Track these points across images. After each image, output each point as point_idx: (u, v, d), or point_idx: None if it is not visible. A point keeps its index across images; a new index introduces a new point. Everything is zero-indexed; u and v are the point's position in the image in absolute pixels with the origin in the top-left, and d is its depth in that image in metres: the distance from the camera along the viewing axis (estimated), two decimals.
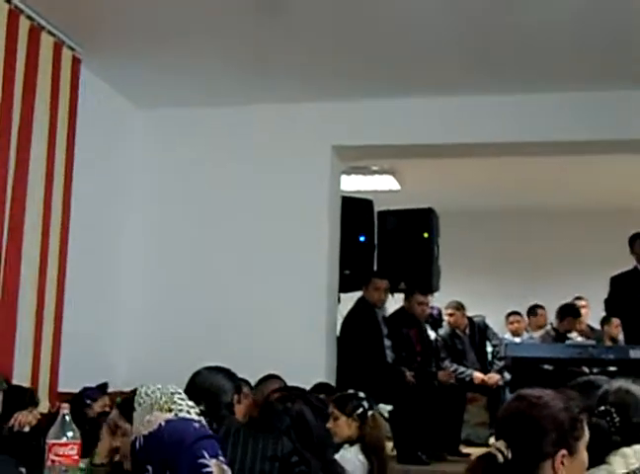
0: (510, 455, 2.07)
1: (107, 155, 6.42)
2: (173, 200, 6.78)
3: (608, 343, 8.16)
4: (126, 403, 2.47)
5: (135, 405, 2.34)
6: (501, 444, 2.09)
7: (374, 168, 8.66)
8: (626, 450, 2.56)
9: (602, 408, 2.64)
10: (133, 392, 2.40)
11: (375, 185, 8.91)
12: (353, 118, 6.57)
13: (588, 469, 2.57)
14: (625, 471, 2.51)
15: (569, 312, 7.84)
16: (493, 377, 7.43)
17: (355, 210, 7.24)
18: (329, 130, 6.60)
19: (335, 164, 6.81)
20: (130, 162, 6.75)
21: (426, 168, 8.47)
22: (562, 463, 2.08)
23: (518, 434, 2.10)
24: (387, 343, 6.75)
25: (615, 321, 8.29)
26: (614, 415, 2.61)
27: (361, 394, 4.22)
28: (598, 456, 2.57)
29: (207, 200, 6.70)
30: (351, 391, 4.29)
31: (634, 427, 2.62)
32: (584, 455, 2.14)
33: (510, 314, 9.28)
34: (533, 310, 9.09)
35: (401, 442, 6.34)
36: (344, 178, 7.56)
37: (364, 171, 8.70)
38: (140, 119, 6.84)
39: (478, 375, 7.43)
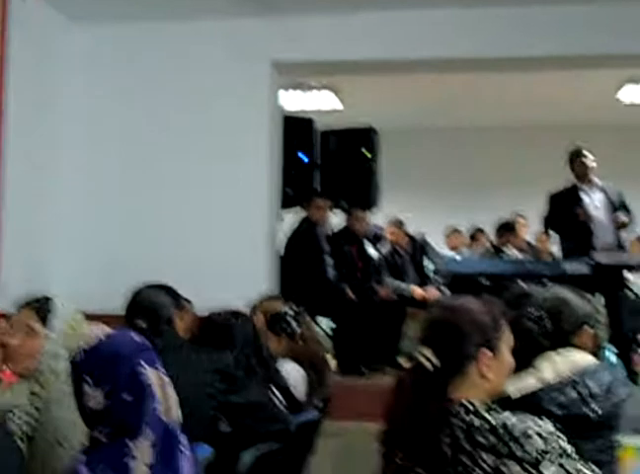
0: (437, 362, 2.13)
1: (40, 71, 6.26)
2: (109, 116, 6.63)
3: (546, 258, 8.35)
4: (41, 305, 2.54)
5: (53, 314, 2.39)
6: (427, 352, 2.14)
7: (314, 84, 8.59)
8: (554, 356, 2.64)
9: (536, 313, 2.71)
10: (45, 298, 2.45)
11: (317, 104, 8.85)
12: (293, 33, 6.46)
13: (516, 372, 2.67)
14: (554, 376, 2.59)
15: (506, 228, 7.99)
16: (432, 293, 7.57)
17: (296, 129, 7.20)
18: (268, 45, 6.49)
19: (274, 80, 6.72)
20: (66, 78, 6.59)
21: (367, 85, 8.42)
22: (486, 364, 2.14)
23: (442, 340, 2.15)
24: (329, 260, 6.82)
25: (544, 236, 8.49)
26: (547, 321, 2.68)
27: (291, 311, 4.27)
28: (526, 360, 2.65)
29: (145, 118, 6.58)
30: (283, 309, 4.32)
31: (564, 334, 2.70)
32: (508, 356, 2.21)
33: (450, 231, 9.41)
34: (475, 235, 9.24)
35: (342, 356, 6.46)
36: (285, 97, 7.48)
37: (304, 87, 8.63)
38: (75, 34, 6.65)
39: (418, 291, 7.56)
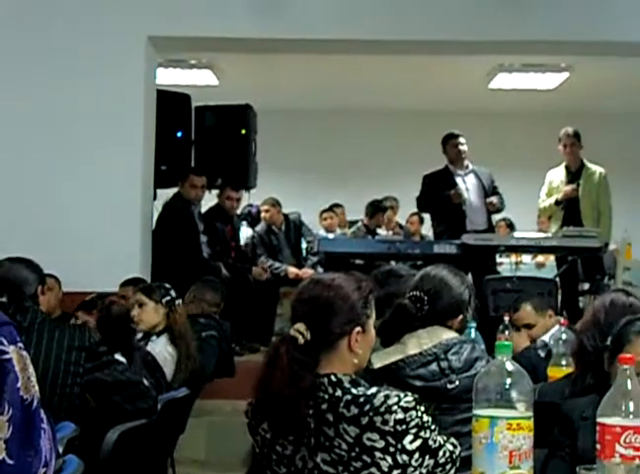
0: (309, 336, 2.16)
1: None
2: None
3: (416, 238, 8.55)
4: None
5: None
6: (300, 326, 2.18)
7: (192, 62, 8.49)
8: (420, 331, 2.70)
9: (416, 294, 2.75)
10: None
11: (193, 79, 8.75)
12: (170, 8, 6.35)
13: (385, 348, 2.73)
14: (418, 351, 2.67)
15: (377, 209, 8.14)
16: (307, 272, 7.61)
17: (171, 105, 7.08)
18: (144, 20, 6.36)
19: (150, 56, 6.59)
20: None
21: (245, 63, 8.37)
22: (356, 340, 2.19)
23: (315, 315, 2.19)
24: (203, 238, 6.78)
25: (414, 218, 8.72)
26: (425, 303, 2.73)
27: (168, 285, 4.27)
28: (395, 337, 2.72)
29: (15, 95, 6.32)
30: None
31: (438, 314, 2.76)
32: (373, 332, 2.28)
33: (324, 211, 9.50)
34: (331, 209, 9.38)
35: None
36: (161, 71, 7.36)
37: (182, 65, 8.51)
38: None
39: (292, 270, 7.61)
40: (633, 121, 9.88)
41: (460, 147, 7.19)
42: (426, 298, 2.72)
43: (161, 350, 4.09)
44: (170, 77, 8.43)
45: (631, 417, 1.74)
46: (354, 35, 6.34)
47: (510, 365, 1.79)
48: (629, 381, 1.76)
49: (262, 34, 6.40)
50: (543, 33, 6.14)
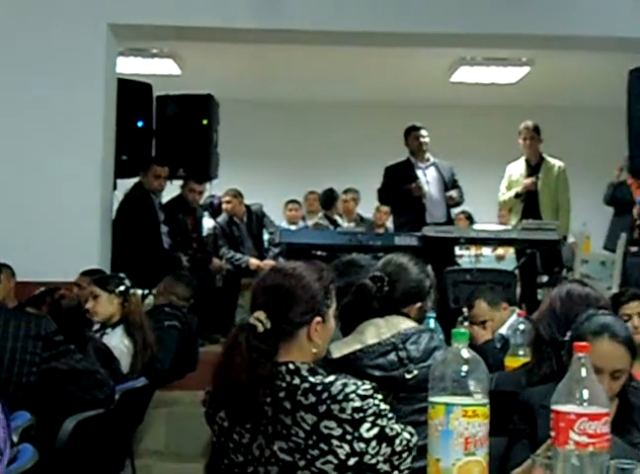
0: (269, 325, 2.16)
1: None
2: None
3: (379, 230, 8.57)
4: None
5: None
6: (260, 315, 2.17)
7: (154, 51, 8.42)
8: (378, 320, 2.71)
9: (378, 274, 2.77)
10: None
11: (155, 69, 8.68)
12: None
13: (343, 334, 2.74)
14: (376, 340, 2.67)
15: (330, 198, 8.17)
16: (268, 264, 7.59)
17: (132, 94, 7.02)
18: (104, 7, 6.30)
19: (111, 44, 6.53)
20: None
21: (207, 53, 8.31)
22: (316, 330, 2.20)
23: (275, 304, 2.19)
24: (164, 229, 6.74)
25: (382, 209, 8.74)
26: (385, 283, 2.75)
27: (123, 275, 4.24)
28: (355, 320, 2.72)
29: None
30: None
31: (396, 302, 2.77)
32: (333, 322, 2.28)
33: (288, 202, 9.50)
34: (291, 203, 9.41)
35: None
36: (122, 60, 7.30)
37: (144, 54, 8.44)
38: None
39: (254, 262, 7.59)
40: (592, 116, 9.98)
41: (422, 139, 7.23)
42: (386, 279, 2.73)
43: (117, 343, 4.07)
44: (131, 66, 8.36)
45: (585, 404, 1.75)
46: (316, 25, 6.33)
47: (466, 353, 1.80)
48: (583, 369, 1.77)
49: (224, 23, 6.36)
50: (504, 26, 6.18)
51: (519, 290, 6.76)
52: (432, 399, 1.79)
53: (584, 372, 1.77)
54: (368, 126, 10.43)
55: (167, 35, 6.87)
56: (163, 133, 7.22)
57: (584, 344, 1.83)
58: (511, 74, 9.35)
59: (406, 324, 2.72)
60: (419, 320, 2.83)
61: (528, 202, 7.18)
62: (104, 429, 3.12)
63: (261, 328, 2.15)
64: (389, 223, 8.88)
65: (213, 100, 7.40)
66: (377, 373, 2.58)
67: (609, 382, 2.33)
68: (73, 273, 5.30)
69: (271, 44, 7.28)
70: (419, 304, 2.81)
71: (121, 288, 4.16)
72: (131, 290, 4.20)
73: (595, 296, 2.75)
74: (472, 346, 1.89)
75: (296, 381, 2.11)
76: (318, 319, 2.20)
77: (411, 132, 7.29)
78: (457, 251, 7.80)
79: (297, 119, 10.58)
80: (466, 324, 4.91)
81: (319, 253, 6.78)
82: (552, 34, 6.29)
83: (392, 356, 2.62)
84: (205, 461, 2.60)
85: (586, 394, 1.75)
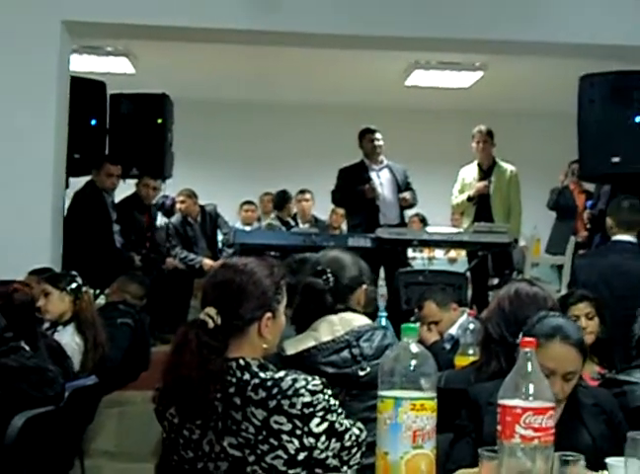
0: (219, 321, 2.16)
1: None
2: None
3: (333, 231, 8.60)
4: None
5: None
6: (210, 310, 2.18)
7: (109, 49, 8.35)
8: (332, 317, 2.74)
9: (319, 268, 2.80)
10: None
11: (110, 67, 8.61)
12: None
13: (297, 334, 2.75)
14: (331, 338, 2.69)
15: (283, 199, 8.19)
16: None
17: (86, 92, 6.95)
18: (59, 4, 6.23)
19: (65, 41, 6.45)
20: None
21: (163, 52, 8.26)
22: (267, 325, 2.21)
23: (226, 300, 2.19)
24: (116, 227, 6.69)
25: (338, 211, 8.78)
26: (329, 275, 2.78)
27: (74, 273, 4.21)
28: (310, 319, 2.74)
29: None
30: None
31: (344, 288, 2.81)
32: (283, 318, 2.30)
33: (243, 203, 9.49)
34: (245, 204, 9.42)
35: None
36: (76, 58, 7.23)
37: (99, 51, 8.38)
38: None
39: (208, 262, 7.56)
40: (544, 121, 10.10)
41: (376, 142, 7.28)
42: (329, 270, 2.77)
43: (68, 340, 4.04)
44: (85, 64, 8.28)
45: (531, 399, 1.79)
46: (271, 26, 6.31)
47: (415, 347, 1.82)
48: (529, 364, 1.81)
49: (179, 22, 6.32)
50: (458, 30, 6.24)
51: (470, 292, 6.83)
52: (381, 393, 1.81)
53: (530, 367, 1.81)
54: (323, 128, 10.46)
55: (122, 33, 6.81)
56: (117, 132, 7.17)
57: (530, 339, 1.87)
58: (464, 79, 9.44)
59: (360, 321, 2.76)
60: (368, 303, 2.89)
61: (481, 206, 7.26)
62: (53, 426, 3.10)
63: (211, 324, 2.16)
64: (345, 226, 8.93)
65: (168, 99, 7.38)
66: (331, 370, 2.60)
67: (562, 384, 2.36)
68: (24, 271, 5.23)
69: (224, 44, 7.26)
70: (364, 286, 2.87)
71: (73, 286, 4.13)
72: (83, 288, 4.17)
73: (543, 296, 2.80)
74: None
75: (247, 377, 2.11)
76: (269, 315, 2.21)
77: (365, 135, 7.34)
78: (410, 253, 7.87)
79: (252, 121, 10.56)
80: (418, 325, 4.96)
81: (273, 253, 6.78)
82: (505, 39, 6.35)
83: (345, 354, 2.64)
84: (156, 461, 2.59)
85: (531, 389, 1.79)
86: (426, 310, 4.59)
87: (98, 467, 4.79)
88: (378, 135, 7.33)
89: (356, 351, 2.65)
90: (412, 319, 4.73)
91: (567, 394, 2.40)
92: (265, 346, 2.22)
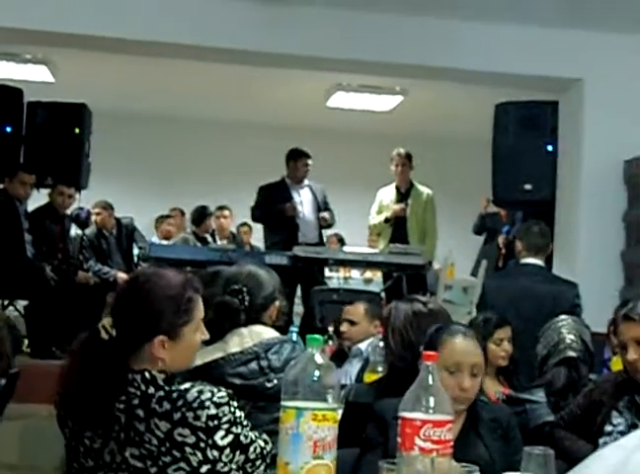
0: (114, 333, 2.13)
1: None
2: None
3: (248, 248, 8.60)
4: None
5: None
6: (107, 322, 2.15)
7: (27, 56, 8.20)
8: (242, 330, 2.74)
9: (236, 287, 2.79)
10: None
11: (27, 74, 8.45)
12: None
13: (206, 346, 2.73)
14: (239, 349, 2.69)
15: (202, 215, 8.18)
16: None
17: (2, 99, 6.86)
18: None
19: None
20: None
21: (82, 61, 8.14)
22: (163, 347, 2.13)
23: (120, 314, 2.17)
24: (27, 237, 6.55)
25: (245, 228, 8.82)
26: (245, 294, 2.78)
27: None
28: (221, 334, 2.73)
29: None
30: None
31: (259, 306, 2.82)
32: (191, 338, 2.19)
33: (162, 217, 9.42)
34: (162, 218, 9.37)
35: (35, 338, 6.23)
36: None
37: (17, 59, 8.22)
38: None
39: (122, 276, 7.45)
40: (463, 147, 10.28)
41: (308, 167, 7.35)
42: (245, 289, 2.77)
43: None
44: (2, 70, 8.12)
45: (431, 411, 1.81)
46: (192, 41, 6.26)
47: (319, 358, 1.83)
48: (430, 377, 1.84)
49: (99, 31, 6.19)
50: (379, 54, 6.31)
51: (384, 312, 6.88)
52: (284, 403, 1.82)
53: (431, 380, 1.83)
54: (245, 145, 10.47)
55: (38, 39, 6.65)
56: (32, 140, 7.05)
57: (431, 353, 1.90)
58: (385, 102, 9.56)
59: (269, 334, 2.77)
60: (279, 324, 2.90)
61: (397, 227, 7.35)
62: None
63: (104, 335, 2.13)
64: (253, 241, 8.96)
65: (87, 109, 7.28)
66: (238, 382, 2.60)
67: (470, 380, 2.44)
68: None
69: (147, 57, 7.19)
70: (277, 303, 2.88)
71: None
72: None
73: (437, 310, 2.92)
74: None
75: (151, 390, 2.09)
76: (162, 338, 2.13)
77: (301, 158, 7.37)
78: (327, 273, 7.91)
79: (172, 135, 10.50)
80: (331, 343, 4.99)
81: (189, 269, 6.73)
82: (425, 64, 6.45)
83: (253, 365, 2.64)
84: None
85: (432, 401, 1.82)
86: (354, 307, 4.67)
87: None
88: (310, 162, 7.39)
89: (264, 363, 2.66)
90: (325, 337, 4.74)
91: (475, 392, 2.46)
92: (162, 365, 2.12)
